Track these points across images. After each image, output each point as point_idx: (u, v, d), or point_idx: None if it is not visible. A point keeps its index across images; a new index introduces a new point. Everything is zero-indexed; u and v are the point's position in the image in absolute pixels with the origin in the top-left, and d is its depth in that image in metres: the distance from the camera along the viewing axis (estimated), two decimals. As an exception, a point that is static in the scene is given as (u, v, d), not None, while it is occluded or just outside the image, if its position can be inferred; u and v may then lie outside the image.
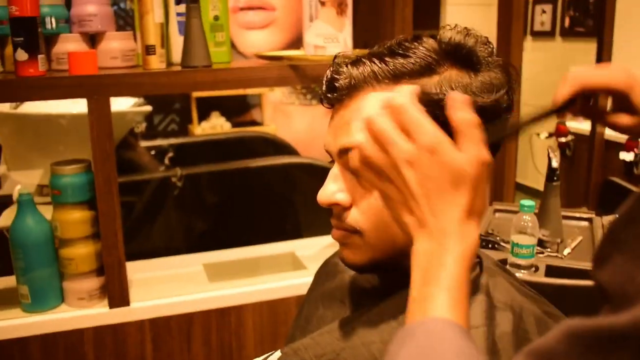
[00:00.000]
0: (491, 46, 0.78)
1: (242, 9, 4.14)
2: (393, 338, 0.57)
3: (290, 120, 4.32)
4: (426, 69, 0.73)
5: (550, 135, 3.95)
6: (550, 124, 4.04)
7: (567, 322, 0.46)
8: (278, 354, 0.83)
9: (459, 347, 0.52)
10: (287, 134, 3.58)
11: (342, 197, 0.76)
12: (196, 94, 3.98)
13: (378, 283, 0.85)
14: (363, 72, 0.75)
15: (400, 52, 0.75)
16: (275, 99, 4.36)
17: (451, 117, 0.60)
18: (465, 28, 0.78)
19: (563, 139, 3.87)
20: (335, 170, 0.78)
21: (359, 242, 0.77)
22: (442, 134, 0.59)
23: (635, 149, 3.39)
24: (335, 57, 0.80)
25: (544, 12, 4.49)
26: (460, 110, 0.59)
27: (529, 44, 4.61)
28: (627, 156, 3.41)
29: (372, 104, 0.73)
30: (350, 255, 0.79)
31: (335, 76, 0.77)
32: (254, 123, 4.24)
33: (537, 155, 4.38)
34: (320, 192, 0.77)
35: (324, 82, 0.79)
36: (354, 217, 0.76)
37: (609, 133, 3.47)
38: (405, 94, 0.61)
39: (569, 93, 0.75)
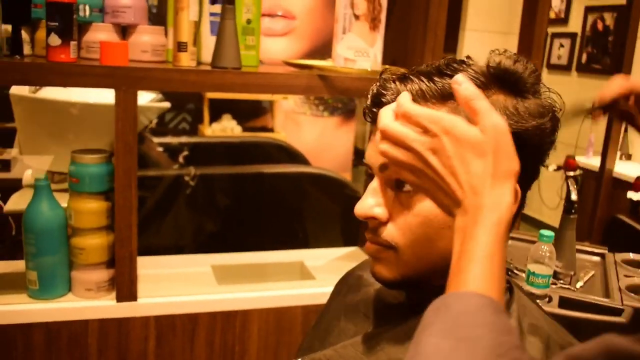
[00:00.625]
0: (538, 74, 0.78)
1: (262, 15, 4.17)
2: (429, 308, 0.59)
3: (301, 129, 4.32)
4: None
5: (559, 168, 3.95)
6: (560, 158, 4.04)
7: (608, 338, 0.48)
8: (298, 362, 0.83)
9: (489, 322, 0.55)
10: (296, 143, 3.58)
11: (379, 211, 0.76)
12: (210, 95, 3.99)
13: (405, 299, 0.85)
14: (411, 90, 0.75)
15: (449, 72, 0.74)
16: (287, 107, 4.36)
17: (457, 97, 0.64)
18: (515, 54, 0.78)
19: (571, 173, 3.86)
20: (374, 185, 0.78)
21: (393, 258, 0.76)
22: (451, 115, 0.63)
23: (643, 189, 3.40)
24: (383, 72, 0.80)
25: (562, 46, 4.51)
26: (464, 89, 0.63)
27: (544, 76, 4.62)
28: (634, 195, 3.41)
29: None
30: (383, 271, 0.78)
31: (382, 91, 0.77)
32: (265, 129, 4.24)
33: (543, 187, 4.38)
34: (359, 205, 0.77)
35: (369, 96, 0.79)
36: (390, 232, 0.76)
37: (618, 171, 3.48)
38: (404, 99, 0.66)
39: (617, 93, 0.78)
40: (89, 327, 1.54)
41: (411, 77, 0.76)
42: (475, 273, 0.59)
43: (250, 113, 4.24)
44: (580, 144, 4.20)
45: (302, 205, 2.45)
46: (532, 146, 0.74)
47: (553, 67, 4.62)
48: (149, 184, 2.33)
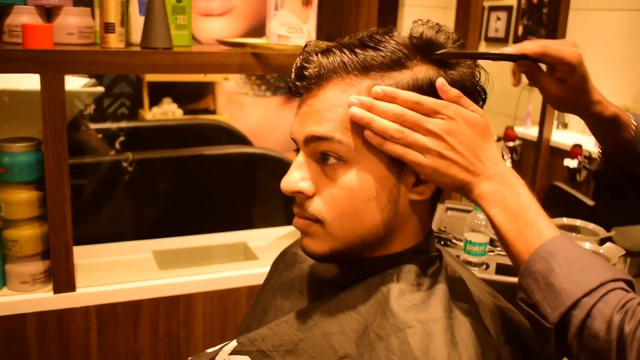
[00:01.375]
0: (461, 43, 0.78)
1: (200, -6, 4.08)
2: (528, 262, 0.69)
3: (244, 110, 4.28)
4: (396, 63, 0.74)
5: (499, 139, 4.04)
6: (500, 129, 4.13)
7: None
8: (234, 343, 0.82)
9: (588, 252, 0.68)
10: (239, 124, 3.54)
11: (305, 185, 0.76)
12: (148, 78, 3.91)
13: (338, 274, 0.85)
14: (333, 62, 0.75)
15: (371, 44, 0.75)
16: (230, 89, 4.31)
17: (447, 97, 0.73)
18: (437, 24, 0.78)
19: (511, 144, 3.96)
20: (300, 159, 0.77)
21: (320, 231, 0.76)
22: (453, 103, 0.73)
23: (579, 157, 3.50)
24: (306, 45, 0.80)
25: (498, 19, 4.58)
26: (449, 90, 0.73)
27: (482, 48, 4.70)
28: (571, 163, 3.51)
29: (337, 94, 0.74)
30: (311, 244, 0.78)
31: (305, 64, 0.76)
32: (207, 111, 4.18)
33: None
34: (284, 180, 0.77)
35: (293, 70, 0.78)
36: (316, 206, 0.76)
37: (555, 140, 3.58)
38: (406, 94, 0.73)
39: (533, 51, 0.84)
40: (27, 321, 1.49)
41: (334, 49, 0.76)
42: (544, 221, 0.70)
43: (191, 96, 4.17)
44: (519, 115, 4.30)
45: (245, 186, 2.43)
46: None
47: (490, 40, 4.70)
48: (85, 171, 2.27)
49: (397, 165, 0.74)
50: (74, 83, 2.26)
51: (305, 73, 0.76)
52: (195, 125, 3.17)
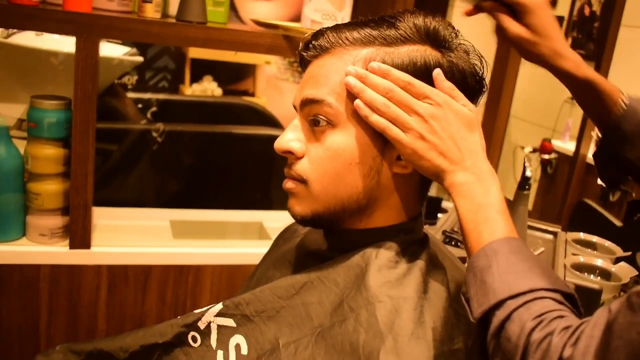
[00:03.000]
0: (456, 31, 0.81)
1: (251, -23, 4.12)
2: (474, 256, 0.69)
3: (282, 95, 4.31)
4: (398, 40, 0.77)
5: (535, 150, 3.98)
6: (537, 140, 4.07)
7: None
8: (220, 306, 0.85)
9: (534, 257, 0.68)
10: (275, 109, 3.57)
11: (296, 145, 0.79)
12: (192, 54, 3.95)
13: (324, 246, 0.88)
14: (337, 35, 0.79)
15: (383, 23, 0.78)
16: (270, 73, 4.34)
17: (441, 87, 0.75)
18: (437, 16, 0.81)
19: (546, 156, 3.90)
20: (295, 122, 0.81)
21: (304, 192, 0.80)
22: (444, 94, 0.75)
23: (614, 176, 3.43)
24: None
25: (548, 28, 4.50)
26: (443, 81, 0.75)
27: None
28: (605, 182, 3.44)
29: (335, 61, 0.78)
30: (295, 205, 0.82)
31: (313, 37, 0.81)
32: (246, 93, 4.22)
33: (518, 169, 4.41)
34: (278, 140, 0.81)
35: (302, 42, 0.82)
36: (302, 166, 0.79)
37: (591, 157, 3.51)
38: (396, 72, 0.75)
39: None
40: (41, 272, 1.55)
41: (342, 25, 0.80)
42: (503, 221, 0.69)
43: (232, 76, 4.21)
44: (558, 128, 4.23)
45: (268, 168, 2.45)
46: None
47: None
48: (116, 137, 2.32)
49: (383, 136, 0.77)
50: (114, 50, 2.32)
51: (311, 44, 0.80)
52: (229, 104, 3.21)
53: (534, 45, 0.91)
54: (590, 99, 0.94)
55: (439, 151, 0.73)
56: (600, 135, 0.98)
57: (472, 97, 0.80)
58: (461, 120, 0.74)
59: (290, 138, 0.80)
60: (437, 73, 0.75)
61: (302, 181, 0.79)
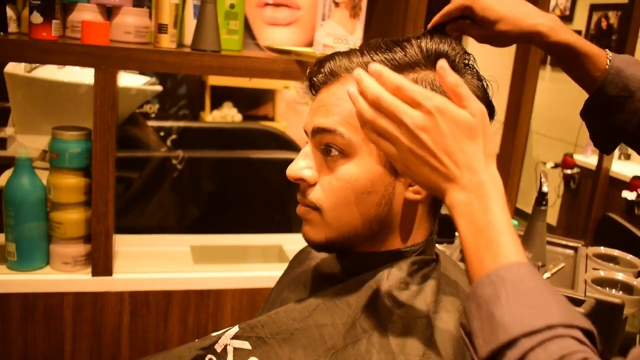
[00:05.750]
0: (468, 56, 0.81)
1: (267, 4, 4.19)
2: (476, 284, 0.60)
3: (301, 119, 4.33)
4: (406, 66, 0.77)
5: (557, 165, 3.95)
6: (559, 155, 4.04)
7: None
8: (236, 329, 0.86)
9: (548, 286, 0.59)
10: (295, 133, 3.61)
11: (308, 173, 0.80)
12: (211, 82, 4.02)
13: (337, 268, 0.88)
14: (347, 61, 0.79)
15: (393, 48, 0.78)
16: (289, 97, 4.38)
17: (443, 83, 0.65)
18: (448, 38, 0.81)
19: (569, 171, 3.87)
20: (307, 149, 0.82)
21: (318, 219, 0.80)
22: (441, 96, 0.65)
23: (638, 189, 3.39)
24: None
25: (565, 43, 4.49)
26: (449, 75, 0.65)
27: (547, 73, 4.61)
28: (629, 195, 3.40)
29: (345, 89, 0.76)
30: (310, 232, 0.82)
31: (323, 62, 0.81)
32: (266, 118, 4.26)
33: (541, 184, 4.37)
34: (290, 167, 0.82)
35: (313, 66, 0.83)
36: (315, 194, 0.80)
37: (615, 170, 3.48)
38: (390, 74, 0.66)
39: (437, 21, 0.88)
40: (65, 300, 1.58)
41: (353, 50, 0.81)
42: (507, 243, 0.61)
43: (251, 102, 4.26)
44: (580, 143, 4.20)
45: (287, 191, 2.47)
46: None
47: (556, 64, 4.61)
48: (137, 165, 2.37)
49: None
50: (135, 80, 2.37)
51: (322, 69, 0.80)
52: (248, 129, 3.26)
53: (492, 34, 0.89)
54: (572, 63, 0.90)
55: (432, 167, 0.65)
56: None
57: None
58: (459, 129, 0.64)
59: (302, 166, 0.80)
60: (440, 67, 0.65)
61: (316, 209, 0.80)
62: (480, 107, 0.65)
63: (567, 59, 0.90)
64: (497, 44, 0.92)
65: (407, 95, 0.65)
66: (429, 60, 0.78)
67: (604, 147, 0.98)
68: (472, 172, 0.64)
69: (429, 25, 0.87)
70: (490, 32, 0.89)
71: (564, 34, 0.88)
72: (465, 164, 0.64)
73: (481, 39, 0.92)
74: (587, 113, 0.95)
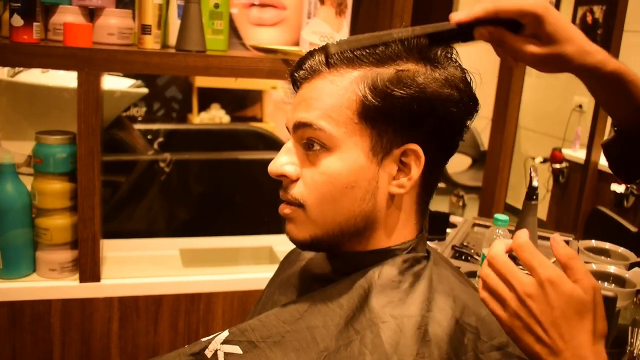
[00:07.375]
0: (450, 49, 0.80)
1: (253, 5, 4.17)
2: None
3: (290, 119, 4.33)
4: (387, 59, 0.76)
5: (545, 160, 3.96)
6: (547, 150, 4.05)
7: None
8: (226, 333, 0.84)
9: None
10: (284, 134, 3.59)
11: (290, 169, 0.79)
12: (198, 83, 4.00)
13: (328, 269, 0.87)
14: (330, 55, 0.77)
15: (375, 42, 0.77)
16: (277, 98, 4.37)
17: (557, 255, 0.66)
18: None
19: (557, 165, 3.88)
20: (288, 145, 0.81)
21: (302, 216, 0.79)
22: (558, 268, 0.65)
23: (627, 182, 3.40)
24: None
25: (551, 38, 4.50)
26: (563, 247, 0.66)
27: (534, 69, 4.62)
28: (618, 188, 3.41)
29: (326, 84, 0.76)
30: (294, 230, 0.81)
31: (305, 58, 0.80)
32: (254, 119, 4.24)
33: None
34: (271, 163, 0.80)
35: (294, 64, 0.82)
36: (298, 189, 0.78)
37: (603, 163, 3.49)
38: (522, 236, 0.67)
39: (486, 12, 0.76)
40: (52, 307, 1.55)
41: (332, 45, 0.79)
42: None
43: (239, 103, 4.24)
44: (568, 137, 4.21)
45: (276, 191, 2.47)
46: (443, 115, 0.76)
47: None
48: (124, 169, 2.34)
49: (378, 155, 0.76)
50: (120, 83, 2.35)
51: (302, 66, 0.79)
52: (236, 131, 3.24)
53: (556, 57, 0.77)
54: (616, 93, 0.84)
55: (537, 336, 0.64)
56: (613, 125, 0.88)
57: (466, 114, 0.79)
58: (569, 304, 0.63)
59: (284, 162, 0.79)
60: (554, 238, 0.66)
61: (300, 205, 0.78)
62: (594, 284, 0.65)
63: (614, 89, 0.84)
64: (546, 67, 0.81)
65: (526, 258, 0.65)
66: (411, 53, 0.76)
67: (629, 177, 0.96)
68: (577, 348, 0.63)
69: (454, 21, 0.77)
70: (551, 50, 0.77)
71: (616, 62, 0.82)
72: (570, 338, 0.64)
73: (531, 57, 0.78)
74: (618, 142, 0.91)
